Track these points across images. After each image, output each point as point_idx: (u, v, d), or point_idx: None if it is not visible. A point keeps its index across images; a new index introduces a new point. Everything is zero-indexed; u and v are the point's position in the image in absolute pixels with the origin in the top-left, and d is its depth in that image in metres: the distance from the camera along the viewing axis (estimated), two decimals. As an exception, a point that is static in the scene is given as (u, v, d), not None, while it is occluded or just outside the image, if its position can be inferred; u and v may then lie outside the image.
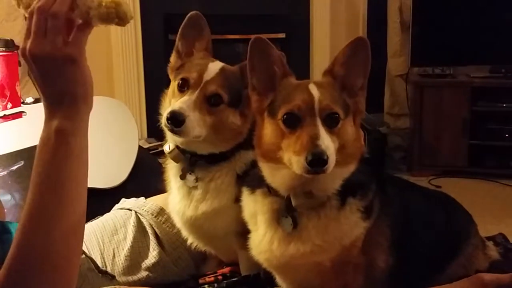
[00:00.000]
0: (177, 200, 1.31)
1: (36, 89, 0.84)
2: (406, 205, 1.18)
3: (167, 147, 1.29)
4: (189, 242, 1.36)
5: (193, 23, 1.29)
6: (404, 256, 1.14)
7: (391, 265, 1.12)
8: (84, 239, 1.44)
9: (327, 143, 0.94)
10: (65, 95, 0.83)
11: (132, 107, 3.37)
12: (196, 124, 1.17)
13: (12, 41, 2.54)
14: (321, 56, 4.29)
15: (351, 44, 1.04)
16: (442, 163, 4.07)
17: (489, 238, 1.58)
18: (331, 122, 0.98)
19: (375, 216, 1.09)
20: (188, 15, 1.29)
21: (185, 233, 1.36)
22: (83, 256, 1.34)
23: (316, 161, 0.92)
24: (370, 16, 4.55)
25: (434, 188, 1.67)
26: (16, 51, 2.57)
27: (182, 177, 1.27)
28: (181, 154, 1.27)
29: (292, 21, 4.10)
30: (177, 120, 1.15)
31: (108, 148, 2.02)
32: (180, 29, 1.30)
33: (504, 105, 3.96)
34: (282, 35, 3.94)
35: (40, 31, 0.82)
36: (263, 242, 1.10)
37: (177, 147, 1.27)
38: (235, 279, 1.34)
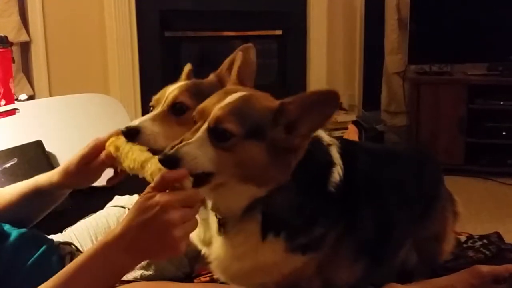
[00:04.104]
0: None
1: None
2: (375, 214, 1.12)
3: None
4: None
5: None
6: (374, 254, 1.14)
7: (358, 270, 1.11)
8: (77, 237, 1.44)
9: (189, 149, 0.92)
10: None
11: (127, 104, 3.35)
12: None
13: (6, 37, 2.51)
14: (318, 53, 4.27)
15: (323, 94, 0.95)
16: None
17: (484, 237, 1.60)
18: (218, 136, 0.94)
19: (329, 247, 1.05)
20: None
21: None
22: (76, 253, 1.33)
23: (165, 162, 0.91)
24: (367, 13, 4.54)
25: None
26: (10, 48, 2.55)
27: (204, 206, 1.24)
28: None
29: (289, 18, 4.08)
30: None
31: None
32: None
33: (501, 103, 3.96)
34: (279, 32, 3.92)
35: None
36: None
37: None
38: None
